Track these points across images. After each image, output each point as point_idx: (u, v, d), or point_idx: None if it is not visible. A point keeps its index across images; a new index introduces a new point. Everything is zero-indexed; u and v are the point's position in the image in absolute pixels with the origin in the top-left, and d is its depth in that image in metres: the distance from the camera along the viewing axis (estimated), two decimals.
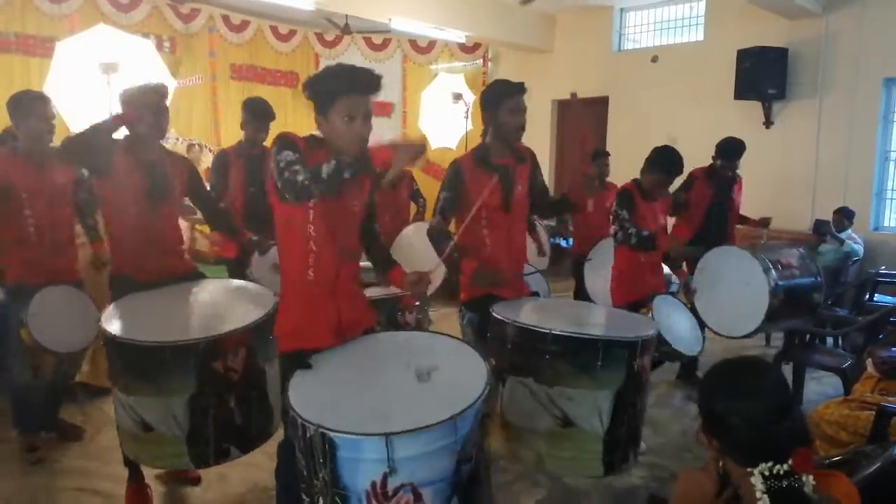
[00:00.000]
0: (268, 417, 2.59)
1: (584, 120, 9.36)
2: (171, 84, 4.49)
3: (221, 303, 2.84)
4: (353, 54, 10.09)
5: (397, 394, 1.98)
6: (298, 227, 2.14)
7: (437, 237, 2.83)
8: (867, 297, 5.47)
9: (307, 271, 2.16)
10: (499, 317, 2.67)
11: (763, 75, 7.26)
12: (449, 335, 2.38)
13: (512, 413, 2.60)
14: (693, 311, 3.71)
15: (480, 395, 1.92)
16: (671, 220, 4.31)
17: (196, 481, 3.17)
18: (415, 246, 5.00)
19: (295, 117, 8.87)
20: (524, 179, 2.95)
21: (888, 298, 5.49)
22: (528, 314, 2.77)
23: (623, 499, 3.13)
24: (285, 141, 2.08)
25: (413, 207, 6.33)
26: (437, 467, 1.81)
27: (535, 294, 3.23)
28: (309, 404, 1.90)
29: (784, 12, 7.21)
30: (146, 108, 2.74)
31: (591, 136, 9.08)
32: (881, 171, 7.12)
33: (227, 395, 2.44)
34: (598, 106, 9.03)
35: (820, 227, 6.34)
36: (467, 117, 7.36)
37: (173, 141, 7.88)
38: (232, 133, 9.03)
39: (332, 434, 1.76)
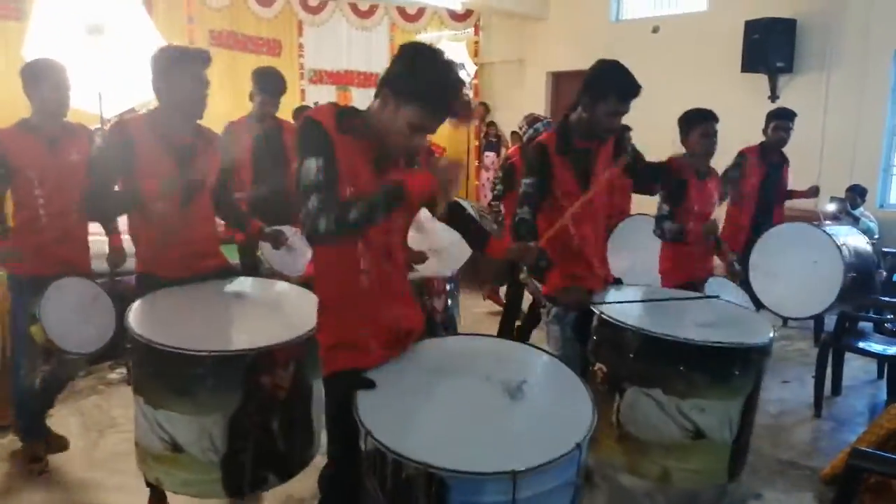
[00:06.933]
0: (310, 442, 2.30)
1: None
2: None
3: (267, 306, 2.51)
4: (339, 21, 9.62)
5: (496, 416, 1.67)
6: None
7: (525, 234, 2.54)
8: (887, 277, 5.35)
9: (359, 281, 1.82)
10: (615, 321, 2.42)
11: (771, 48, 7.06)
12: (519, 342, 2.16)
13: (634, 425, 2.39)
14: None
15: (593, 414, 1.66)
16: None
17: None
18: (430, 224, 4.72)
19: None
20: (607, 162, 2.71)
21: None
22: (644, 316, 2.54)
23: (687, 502, 2.93)
24: (311, 131, 1.71)
25: None
26: None
27: (619, 281, 2.99)
28: (399, 435, 1.55)
29: None
30: (189, 77, 2.35)
31: None
32: (889, 147, 7.01)
33: (271, 415, 2.12)
34: None
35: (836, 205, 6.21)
36: (470, 89, 7.01)
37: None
38: (210, 102, 8.53)
39: (445, 475, 1.44)
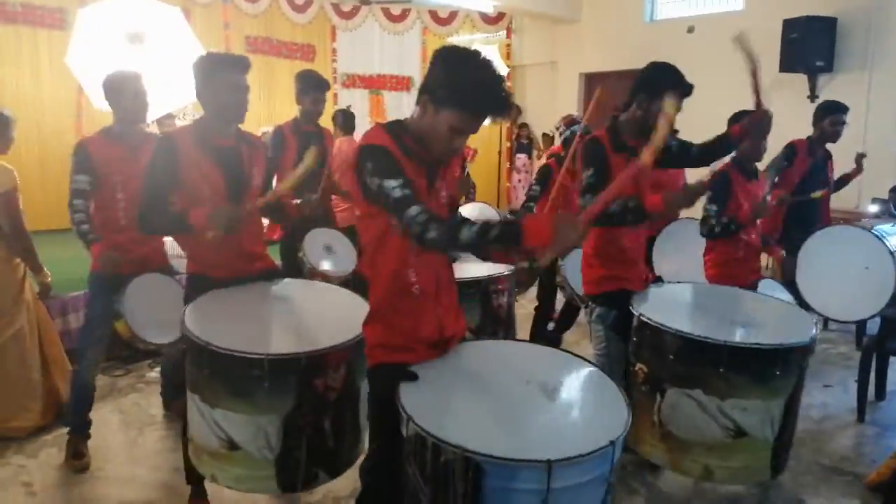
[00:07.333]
0: (357, 441, 2.33)
1: (614, 95, 9.00)
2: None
3: (316, 308, 2.54)
4: (371, 26, 9.73)
5: (533, 412, 1.72)
6: (397, 237, 1.83)
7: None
8: None
9: (411, 284, 1.88)
10: (654, 323, 2.44)
11: (810, 47, 6.92)
12: (555, 349, 2.15)
13: (675, 425, 2.40)
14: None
15: (629, 416, 1.70)
16: None
17: None
18: None
19: None
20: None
21: None
22: (683, 317, 2.55)
23: None
24: (380, 157, 1.74)
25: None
26: (588, 500, 1.61)
27: (659, 279, 2.98)
28: (439, 422, 1.62)
29: None
30: (230, 83, 2.39)
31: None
32: None
33: (324, 415, 2.16)
34: (630, 80, 8.66)
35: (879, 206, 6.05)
36: None
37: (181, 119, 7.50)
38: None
39: (481, 459, 1.50)
